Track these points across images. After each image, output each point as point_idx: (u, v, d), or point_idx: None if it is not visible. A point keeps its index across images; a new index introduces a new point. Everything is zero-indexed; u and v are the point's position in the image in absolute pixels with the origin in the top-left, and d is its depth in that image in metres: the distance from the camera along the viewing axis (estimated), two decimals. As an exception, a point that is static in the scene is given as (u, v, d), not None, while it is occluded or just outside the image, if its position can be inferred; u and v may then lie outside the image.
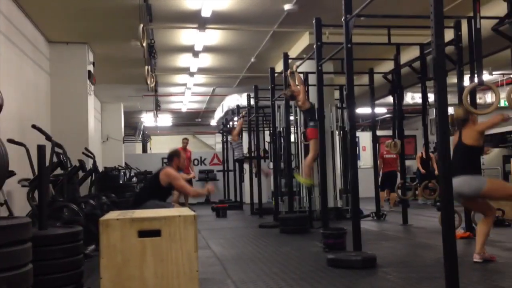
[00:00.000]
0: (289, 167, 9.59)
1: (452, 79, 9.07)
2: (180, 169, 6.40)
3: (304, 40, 10.32)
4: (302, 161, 10.18)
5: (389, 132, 17.76)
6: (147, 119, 21.74)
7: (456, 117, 5.46)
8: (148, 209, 5.85)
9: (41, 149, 3.90)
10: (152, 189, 6.23)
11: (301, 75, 9.34)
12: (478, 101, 14.17)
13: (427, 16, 4.02)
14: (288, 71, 8.92)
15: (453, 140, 5.54)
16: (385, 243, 6.81)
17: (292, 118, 10.51)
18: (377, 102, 12.43)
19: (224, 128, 16.31)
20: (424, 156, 13.78)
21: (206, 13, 8.73)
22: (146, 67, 8.92)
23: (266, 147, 13.28)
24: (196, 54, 11.54)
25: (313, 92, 8.47)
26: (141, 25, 7.44)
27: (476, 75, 5.79)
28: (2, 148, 3.91)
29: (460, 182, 5.09)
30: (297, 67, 8.77)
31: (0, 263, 2.76)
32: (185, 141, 14.17)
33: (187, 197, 11.89)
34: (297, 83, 8.61)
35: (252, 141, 12.77)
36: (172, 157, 6.42)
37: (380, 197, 11.20)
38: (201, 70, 13.47)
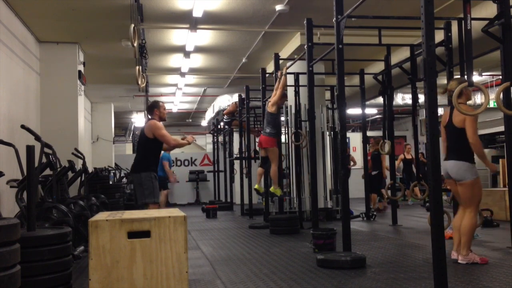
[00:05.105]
0: (279, 167, 9.57)
1: (442, 80, 9.15)
2: (162, 119, 6.22)
3: (295, 41, 10.33)
4: (292, 162, 10.20)
5: (379, 133, 17.95)
6: (138, 120, 21.68)
7: (450, 89, 5.24)
8: (138, 203, 5.93)
9: (30, 149, 3.87)
10: (144, 147, 6.13)
11: (292, 76, 9.39)
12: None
13: (417, 17, 4.04)
14: (279, 72, 8.93)
15: (442, 118, 5.46)
16: (375, 243, 6.83)
17: (283, 118, 10.53)
18: (367, 103, 12.52)
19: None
20: (405, 158, 13.86)
21: (197, 13, 8.71)
22: (137, 67, 8.87)
23: (257, 148, 13.27)
24: (187, 54, 11.51)
25: (304, 92, 8.48)
26: (132, 25, 7.40)
27: (466, 76, 5.80)
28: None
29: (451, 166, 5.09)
30: (287, 68, 8.78)
31: (-12, 265, 2.74)
32: None
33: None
34: (279, 85, 8.71)
35: (243, 142, 12.75)
36: (152, 109, 6.25)
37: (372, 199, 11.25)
38: (192, 71, 13.45)
